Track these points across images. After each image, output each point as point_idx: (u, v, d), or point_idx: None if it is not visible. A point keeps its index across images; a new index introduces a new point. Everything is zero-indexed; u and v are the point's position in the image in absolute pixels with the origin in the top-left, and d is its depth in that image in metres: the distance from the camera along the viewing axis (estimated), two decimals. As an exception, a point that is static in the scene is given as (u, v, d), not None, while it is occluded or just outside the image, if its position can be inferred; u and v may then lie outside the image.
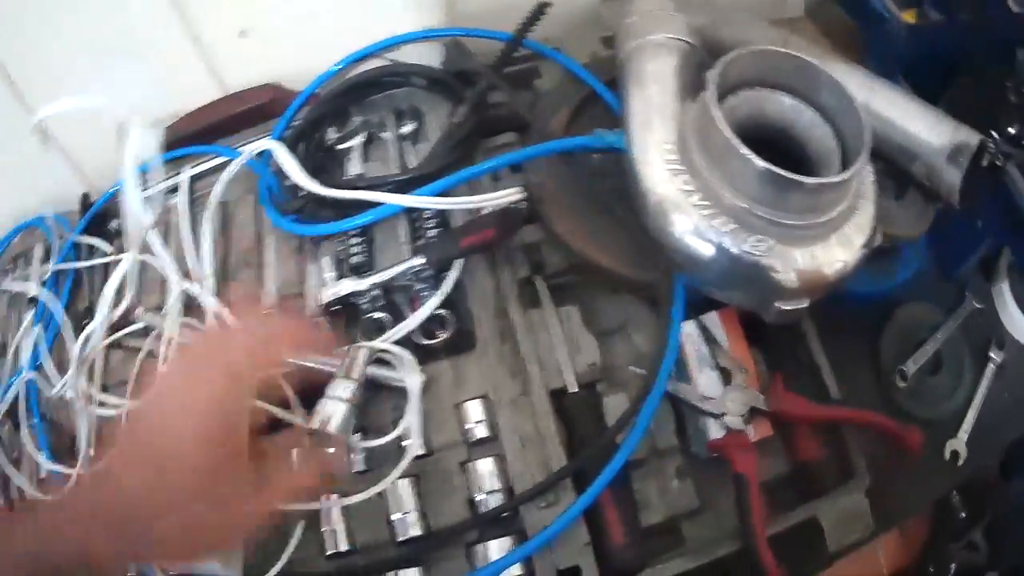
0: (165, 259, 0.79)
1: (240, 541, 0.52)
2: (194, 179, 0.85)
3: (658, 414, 0.68)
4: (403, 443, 0.66)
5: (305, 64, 0.87)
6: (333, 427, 0.58)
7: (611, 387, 0.70)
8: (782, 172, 0.56)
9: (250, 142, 0.84)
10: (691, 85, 0.67)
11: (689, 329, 0.71)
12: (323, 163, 0.84)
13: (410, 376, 0.67)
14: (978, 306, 0.87)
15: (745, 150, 0.57)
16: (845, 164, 0.61)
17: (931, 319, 0.85)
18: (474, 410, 0.69)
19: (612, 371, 0.72)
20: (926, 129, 0.68)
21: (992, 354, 0.87)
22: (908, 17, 0.83)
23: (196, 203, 0.84)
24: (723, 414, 0.67)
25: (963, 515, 1.04)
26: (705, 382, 0.69)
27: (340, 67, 0.86)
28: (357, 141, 0.84)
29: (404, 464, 0.63)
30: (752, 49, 0.62)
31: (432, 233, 0.75)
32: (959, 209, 0.71)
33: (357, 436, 0.67)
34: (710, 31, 0.81)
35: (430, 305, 0.70)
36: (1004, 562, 1.15)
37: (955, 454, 0.82)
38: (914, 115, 0.69)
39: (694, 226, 0.60)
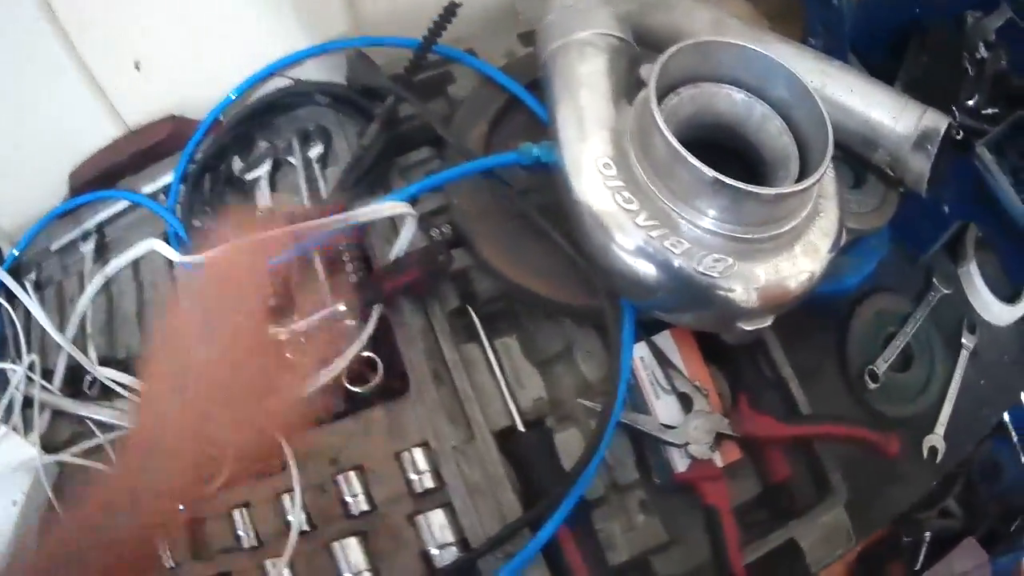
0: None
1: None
2: (101, 225, 0.83)
3: (615, 448, 0.62)
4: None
5: (205, 92, 0.80)
6: None
7: (561, 421, 0.64)
8: (736, 184, 0.49)
9: (156, 179, 0.82)
10: (625, 85, 0.60)
11: (641, 352, 0.64)
12: (229, 196, 0.78)
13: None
14: (946, 291, 0.82)
15: (692, 159, 0.50)
16: (804, 163, 0.55)
17: (898, 310, 0.80)
18: (416, 459, 0.63)
19: (560, 404, 0.65)
20: (889, 116, 0.62)
21: (964, 340, 0.83)
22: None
23: (106, 248, 0.84)
24: (687, 444, 0.61)
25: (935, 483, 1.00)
26: (663, 409, 0.63)
27: (238, 92, 0.78)
28: (263, 170, 0.76)
29: (291, 545, 0.60)
30: (692, 42, 0.55)
31: (351, 271, 0.68)
32: (923, 196, 0.66)
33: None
34: (638, 18, 0.74)
35: (352, 350, 0.63)
36: (981, 527, 1.14)
37: (933, 450, 0.77)
38: (875, 100, 0.63)
39: (638, 246, 0.54)
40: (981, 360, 0.84)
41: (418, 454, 0.63)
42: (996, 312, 0.85)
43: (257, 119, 0.78)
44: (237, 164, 0.78)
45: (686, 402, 0.63)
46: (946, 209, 0.73)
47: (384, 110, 0.71)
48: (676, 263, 0.52)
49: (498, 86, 0.73)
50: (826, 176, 0.58)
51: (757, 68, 0.56)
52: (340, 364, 0.63)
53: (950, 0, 0.83)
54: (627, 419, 0.61)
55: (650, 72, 0.54)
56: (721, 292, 0.53)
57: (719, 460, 0.62)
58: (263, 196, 0.76)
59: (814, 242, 0.54)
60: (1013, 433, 1.17)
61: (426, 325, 0.65)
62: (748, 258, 0.52)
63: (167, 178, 0.79)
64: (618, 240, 0.54)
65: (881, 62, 0.79)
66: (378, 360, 0.65)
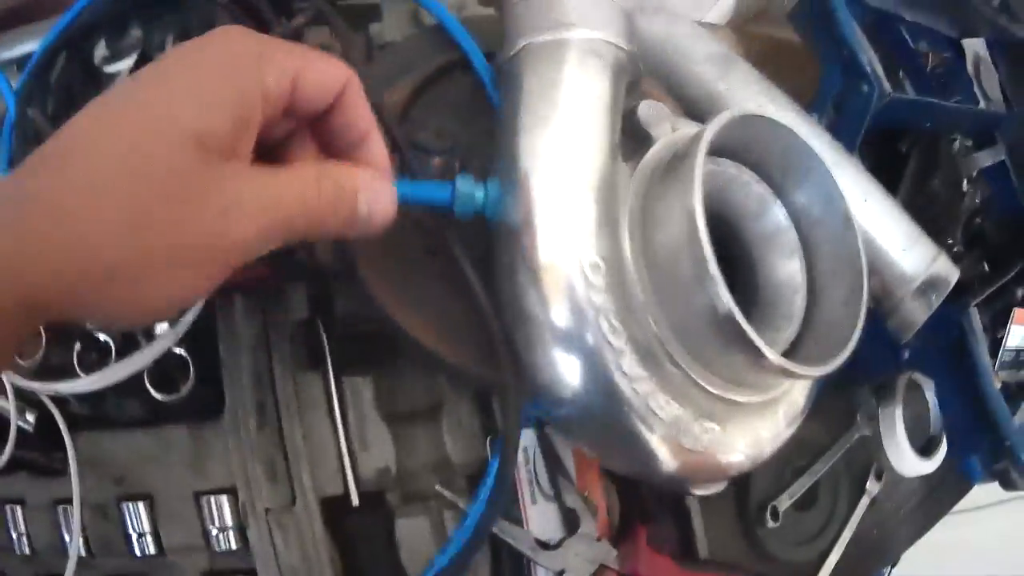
0: None
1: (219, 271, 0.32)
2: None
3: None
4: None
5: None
6: None
7: (407, 502, 0.50)
8: (791, 366, 0.37)
9: (15, 45, 0.62)
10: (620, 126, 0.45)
11: (527, 441, 0.51)
12: (82, 89, 0.59)
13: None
14: (866, 432, 0.74)
15: (747, 327, 0.36)
16: (812, 301, 0.43)
17: (814, 441, 0.71)
18: (219, 509, 0.49)
19: (410, 478, 0.51)
20: (899, 246, 0.52)
21: (869, 486, 0.75)
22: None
23: None
24: (562, 572, 0.49)
25: None
26: (539, 519, 0.50)
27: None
28: (125, 64, 0.58)
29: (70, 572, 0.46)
30: (752, 113, 0.41)
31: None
32: (900, 343, 0.57)
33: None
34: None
35: (159, 344, 0.47)
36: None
37: (809, 602, 0.69)
38: (888, 221, 0.52)
39: (609, 393, 0.40)
40: (879, 510, 0.77)
41: (223, 502, 0.48)
42: (908, 463, 0.77)
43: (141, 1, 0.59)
44: (101, 51, 0.60)
45: (570, 519, 0.50)
46: (906, 354, 0.65)
47: (289, 31, 0.54)
48: (654, 429, 0.39)
49: (442, 40, 0.53)
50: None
51: (794, 163, 0.43)
52: (143, 358, 0.48)
53: (959, 124, 0.74)
54: (497, 528, 0.48)
55: (688, 133, 0.40)
56: (700, 463, 0.40)
57: (595, 599, 0.51)
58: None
59: (796, 400, 0.43)
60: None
61: (260, 336, 0.50)
62: (735, 424, 0.40)
63: (28, 46, 0.61)
64: (583, 379, 0.40)
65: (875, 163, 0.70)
66: (190, 363, 0.49)
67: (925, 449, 0.79)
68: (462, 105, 0.52)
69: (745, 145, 0.42)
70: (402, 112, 0.51)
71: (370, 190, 0.36)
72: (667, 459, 0.41)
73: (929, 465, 0.78)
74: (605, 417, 0.41)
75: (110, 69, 0.59)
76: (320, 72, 0.34)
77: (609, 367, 0.39)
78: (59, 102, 0.58)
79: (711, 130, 0.38)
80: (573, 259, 0.39)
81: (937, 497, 0.82)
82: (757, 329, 0.38)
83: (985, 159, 0.80)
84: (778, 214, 0.43)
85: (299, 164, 0.36)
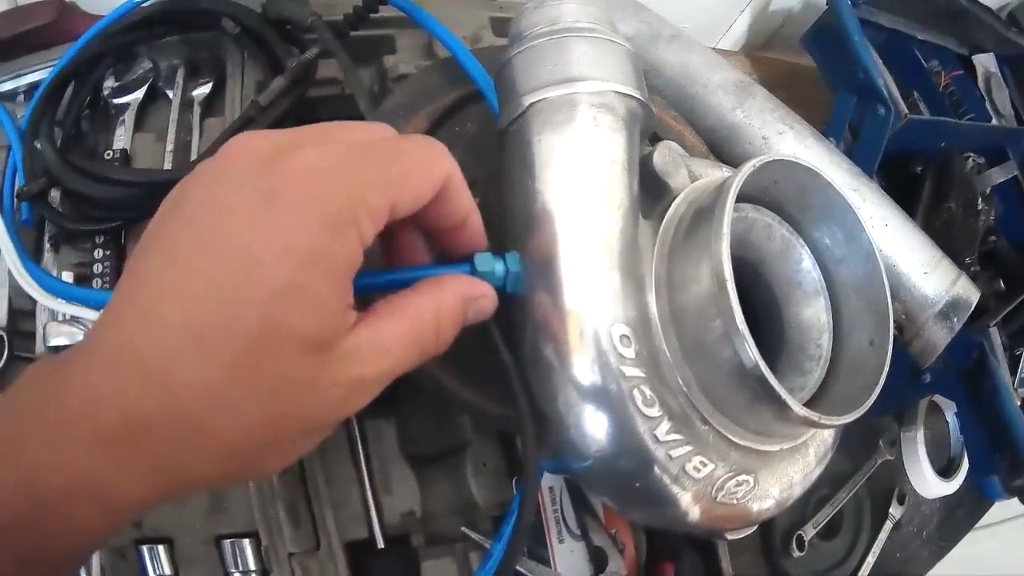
0: None
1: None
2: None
3: (497, 596, 0.48)
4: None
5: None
6: None
7: (432, 544, 0.49)
8: (823, 419, 0.36)
9: (22, 74, 0.61)
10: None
11: (552, 481, 0.50)
12: (90, 121, 0.60)
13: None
14: (889, 458, 0.73)
15: (780, 389, 0.35)
16: (837, 339, 0.42)
17: (837, 470, 0.71)
18: (240, 554, 0.47)
19: (434, 520, 0.50)
20: (920, 270, 0.51)
21: (892, 510, 0.75)
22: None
23: None
24: (588, 611, 0.48)
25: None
26: (565, 559, 0.49)
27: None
28: (134, 97, 0.58)
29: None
30: (772, 160, 0.39)
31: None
32: (923, 367, 0.56)
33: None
34: (640, 46, 0.59)
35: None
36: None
37: (835, 624, 0.69)
38: (909, 245, 0.52)
39: (645, 459, 0.38)
40: (902, 533, 0.76)
41: (246, 546, 0.47)
42: (930, 486, 0.77)
43: (148, 29, 0.59)
44: (110, 81, 0.60)
45: (597, 557, 0.50)
46: (927, 378, 0.64)
47: (300, 64, 0.53)
48: (688, 490, 0.38)
49: (457, 73, 0.52)
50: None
51: (815, 203, 0.41)
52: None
53: (972, 142, 0.74)
54: (523, 567, 0.48)
55: (708, 186, 0.38)
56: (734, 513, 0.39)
57: (619, 638, 0.50)
58: (123, 133, 0.57)
59: (825, 438, 0.42)
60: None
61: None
62: (767, 472, 0.39)
63: (35, 75, 0.61)
64: (618, 449, 0.38)
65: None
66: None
67: (945, 471, 0.79)
68: (478, 137, 0.52)
69: (764, 187, 0.41)
70: None
71: (478, 305, 0.36)
72: (699, 515, 0.39)
73: (950, 486, 0.78)
74: (634, 477, 0.39)
75: (119, 101, 0.59)
76: (417, 189, 0.32)
77: (643, 436, 0.37)
78: (68, 135, 0.57)
79: (734, 188, 0.36)
80: (603, 334, 0.37)
81: (957, 517, 0.81)
82: (784, 373, 0.37)
83: (998, 176, 0.80)
84: (801, 254, 0.42)
85: (413, 303, 0.33)
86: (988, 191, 0.79)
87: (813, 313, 0.42)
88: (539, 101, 0.41)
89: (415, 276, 0.36)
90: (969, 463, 0.74)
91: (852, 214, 0.40)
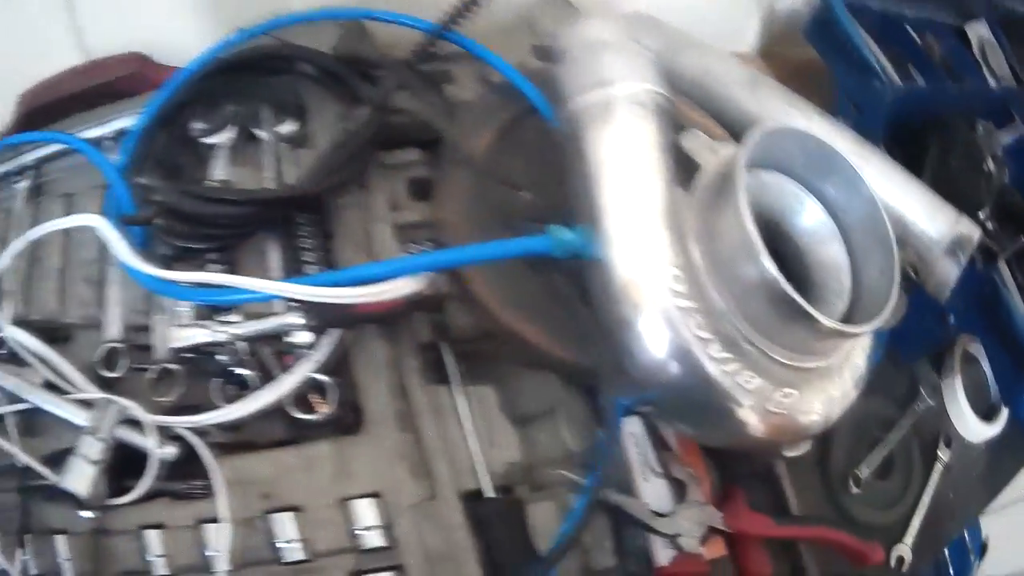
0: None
1: None
2: (41, 161, 0.69)
3: (594, 529, 0.55)
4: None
5: (179, 37, 0.70)
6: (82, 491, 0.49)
7: (534, 491, 0.57)
8: (843, 327, 0.45)
9: (107, 122, 0.68)
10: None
11: (633, 427, 0.57)
12: (183, 159, 0.67)
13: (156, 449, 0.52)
14: (931, 403, 0.79)
15: (800, 300, 0.44)
16: (855, 276, 0.50)
17: (884, 415, 0.77)
18: (365, 511, 0.53)
19: (534, 471, 0.58)
20: (924, 216, 0.58)
21: (940, 453, 0.80)
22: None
23: (41, 189, 0.68)
24: (677, 535, 0.55)
25: None
26: (651, 494, 0.56)
27: (219, 50, 0.67)
28: (226, 137, 0.66)
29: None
30: (775, 128, 0.49)
31: (312, 263, 0.59)
32: (942, 303, 0.62)
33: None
34: (665, 58, 0.68)
35: (303, 369, 0.54)
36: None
37: (900, 560, 0.74)
38: (911, 196, 0.59)
39: (703, 376, 0.47)
40: (952, 475, 0.81)
41: (367, 505, 0.54)
42: (972, 429, 0.82)
43: (227, 77, 0.67)
44: (197, 125, 0.68)
45: (679, 489, 0.56)
46: (952, 318, 0.70)
47: (380, 93, 0.62)
48: (743, 401, 0.46)
49: (512, 93, 0.64)
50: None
51: (819, 162, 0.50)
52: (286, 384, 0.54)
53: (975, 106, 0.81)
54: (617, 500, 0.55)
55: (727, 154, 0.48)
56: (784, 425, 0.47)
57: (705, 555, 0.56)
58: (221, 167, 0.65)
59: (857, 363, 0.50)
60: (946, 554, 1.16)
61: (392, 357, 0.57)
62: (809, 388, 0.47)
63: (120, 123, 0.68)
64: (681, 370, 0.47)
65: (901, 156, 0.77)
66: (335, 387, 0.56)
67: (987, 415, 0.84)
68: (536, 145, 0.62)
69: (776, 154, 0.50)
70: (489, 155, 0.61)
71: None
72: (756, 424, 0.48)
73: (993, 429, 0.83)
74: (700, 396, 0.48)
75: (209, 140, 0.67)
76: None
77: (700, 356, 0.47)
78: (164, 170, 0.63)
79: (745, 150, 0.46)
80: (658, 277, 0.48)
81: (1003, 459, 0.86)
82: (814, 307, 0.45)
83: (1006, 136, 0.87)
84: (814, 207, 0.51)
85: None
86: (999, 153, 0.86)
87: (831, 254, 0.51)
88: (583, 103, 0.53)
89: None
90: (999, 391, 0.79)
91: (850, 167, 0.49)
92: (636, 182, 0.50)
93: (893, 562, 0.73)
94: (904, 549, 0.74)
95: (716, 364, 0.46)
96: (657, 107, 0.53)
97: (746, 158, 0.46)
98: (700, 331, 0.46)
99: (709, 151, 0.54)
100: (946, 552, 1.14)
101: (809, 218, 0.52)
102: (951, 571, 1.15)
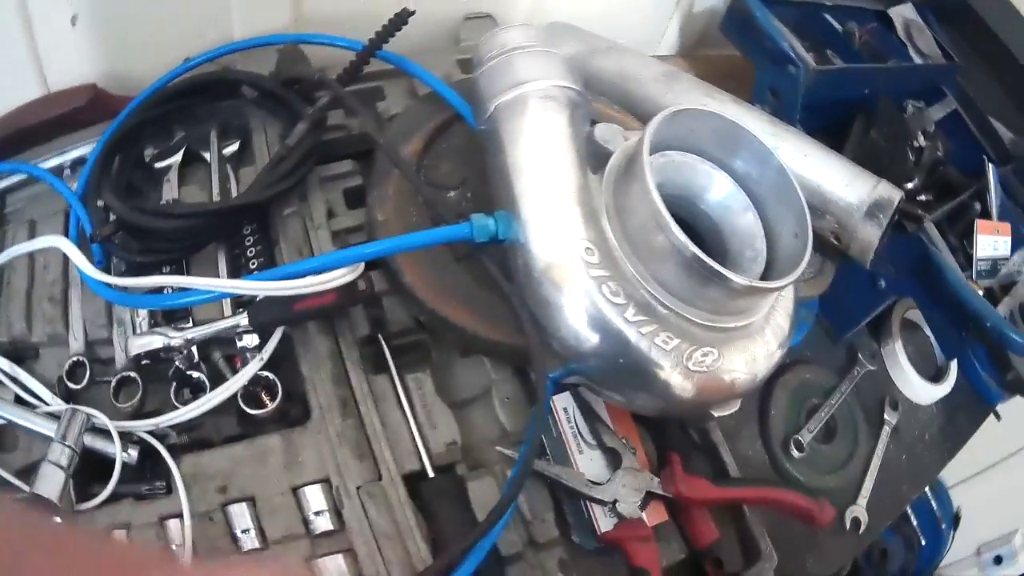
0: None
1: None
2: (4, 192, 0.72)
3: (533, 502, 0.58)
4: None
5: (132, 65, 0.73)
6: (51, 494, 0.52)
7: (474, 469, 0.59)
8: (747, 281, 0.47)
9: (65, 151, 0.72)
10: (585, 147, 0.56)
11: (565, 403, 0.60)
12: (139, 182, 0.71)
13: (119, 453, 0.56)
14: (870, 368, 0.82)
15: (705, 257, 0.47)
16: (770, 242, 0.53)
17: (821, 382, 0.80)
18: (314, 497, 0.56)
19: (473, 450, 0.60)
20: (842, 183, 0.61)
21: (887, 416, 0.82)
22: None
23: (5, 219, 0.72)
24: (615, 501, 0.57)
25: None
26: (587, 465, 0.59)
27: (167, 79, 0.70)
28: (174, 160, 0.70)
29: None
30: (681, 109, 0.52)
31: (255, 267, 0.62)
32: (867, 267, 0.65)
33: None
34: (584, 61, 0.71)
35: (250, 369, 0.57)
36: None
37: (856, 522, 0.77)
38: (828, 167, 0.62)
39: (621, 342, 0.50)
40: (902, 438, 0.84)
41: (316, 491, 0.56)
42: (919, 391, 0.85)
43: (176, 103, 0.71)
44: (149, 150, 0.72)
45: (613, 458, 0.59)
46: (883, 284, 0.73)
47: (317, 110, 0.66)
48: (662, 362, 0.49)
49: (438, 103, 0.68)
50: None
51: (727, 139, 0.53)
52: (236, 383, 0.58)
53: (900, 85, 0.84)
54: (551, 472, 0.57)
55: (636, 139, 0.50)
56: (708, 385, 0.50)
57: (647, 521, 0.59)
58: (171, 188, 0.69)
59: (780, 323, 0.52)
60: (913, 518, 1.18)
61: (334, 350, 0.60)
62: (730, 347, 0.50)
63: (77, 151, 0.72)
64: (600, 336, 0.50)
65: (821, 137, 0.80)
66: (277, 382, 0.59)
67: (935, 377, 0.87)
68: (461, 149, 0.67)
69: (686, 136, 0.53)
70: (418, 160, 0.65)
71: None
72: (680, 384, 0.50)
73: (942, 389, 0.86)
74: (623, 361, 0.51)
75: (160, 165, 0.71)
76: None
77: (616, 320, 0.50)
78: (121, 194, 0.66)
79: (650, 129, 0.49)
80: (572, 250, 0.51)
81: (957, 421, 0.89)
82: (732, 271, 0.48)
83: (937, 112, 0.90)
84: (725, 182, 0.54)
85: None
86: (931, 129, 0.89)
87: (745, 224, 0.53)
88: (500, 102, 0.57)
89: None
90: (944, 350, 0.82)
91: (757, 141, 0.52)
92: (548, 168, 0.54)
93: (848, 524, 0.76)
94: (859, 511, 0.77)
95: (632, 327, 0.49)
96: (568, 101, 0.57)
97: (651, 135, 0.49)
98: (614, 297, 0.49)
99: (622, 138, 0.57)
100: (915, 522, 1.18)
101: (721, 192, 0.55)
102: (923, 542, 1.19)
